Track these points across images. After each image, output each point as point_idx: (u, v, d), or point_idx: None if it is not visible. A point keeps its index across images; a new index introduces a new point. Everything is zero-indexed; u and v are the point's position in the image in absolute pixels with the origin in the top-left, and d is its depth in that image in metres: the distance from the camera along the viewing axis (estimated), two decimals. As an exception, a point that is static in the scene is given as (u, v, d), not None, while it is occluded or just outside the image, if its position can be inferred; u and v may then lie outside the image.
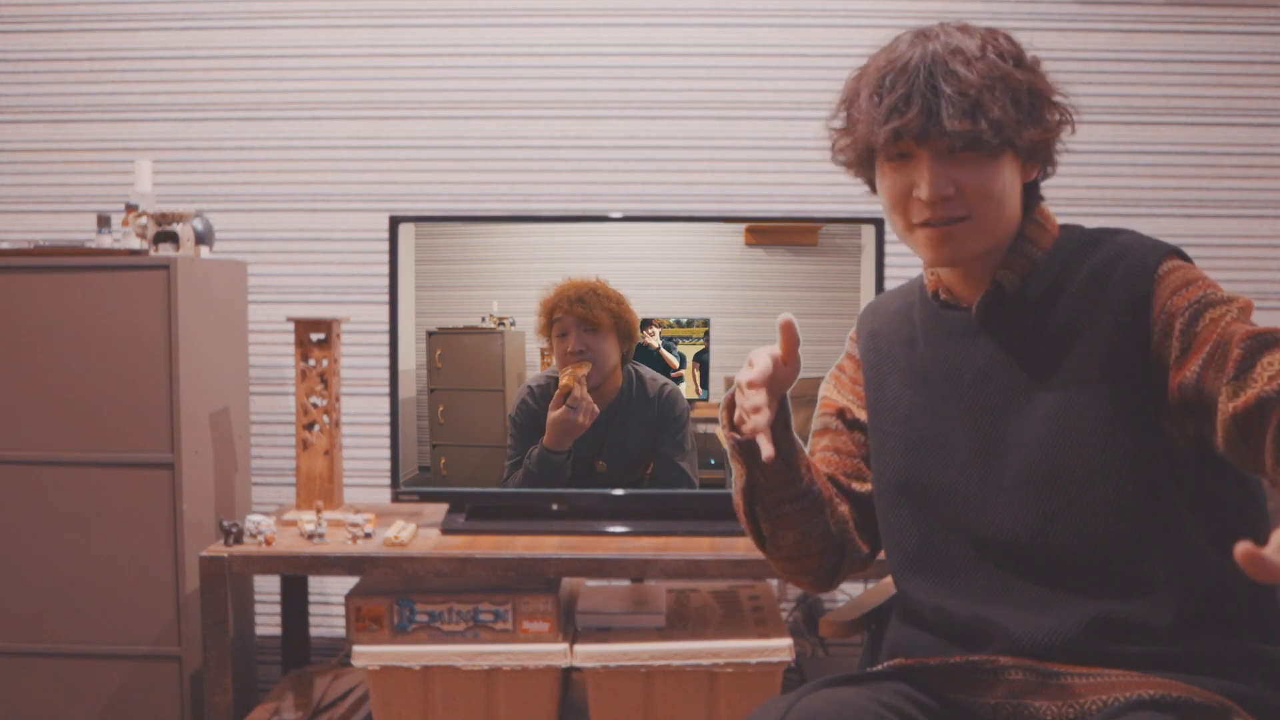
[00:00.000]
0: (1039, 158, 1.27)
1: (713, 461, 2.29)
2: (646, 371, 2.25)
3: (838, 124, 1.30)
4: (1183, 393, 1.17)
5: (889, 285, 2.26)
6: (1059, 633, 1.21)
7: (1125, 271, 1.23)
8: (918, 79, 1.20)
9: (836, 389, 1.47)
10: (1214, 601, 1.20)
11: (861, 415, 1.42)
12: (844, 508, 1.41)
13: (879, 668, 1.28)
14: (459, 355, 2.27)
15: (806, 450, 1.42)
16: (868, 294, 2.21)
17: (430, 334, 2.26)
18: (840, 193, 2.63)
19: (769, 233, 2.26)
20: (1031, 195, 1.30)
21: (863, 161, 1.29)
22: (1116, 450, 1.20)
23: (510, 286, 2.27)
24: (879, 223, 2.21)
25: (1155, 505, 1.20)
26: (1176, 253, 1.25)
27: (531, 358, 2.25)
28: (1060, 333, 1.25)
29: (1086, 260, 1.26)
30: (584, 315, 2.21)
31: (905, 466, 1.33)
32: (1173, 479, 1.20)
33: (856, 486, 1.42)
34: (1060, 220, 1.33)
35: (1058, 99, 1.26)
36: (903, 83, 1.21)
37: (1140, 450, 1.20)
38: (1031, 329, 1.26)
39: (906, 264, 2.57)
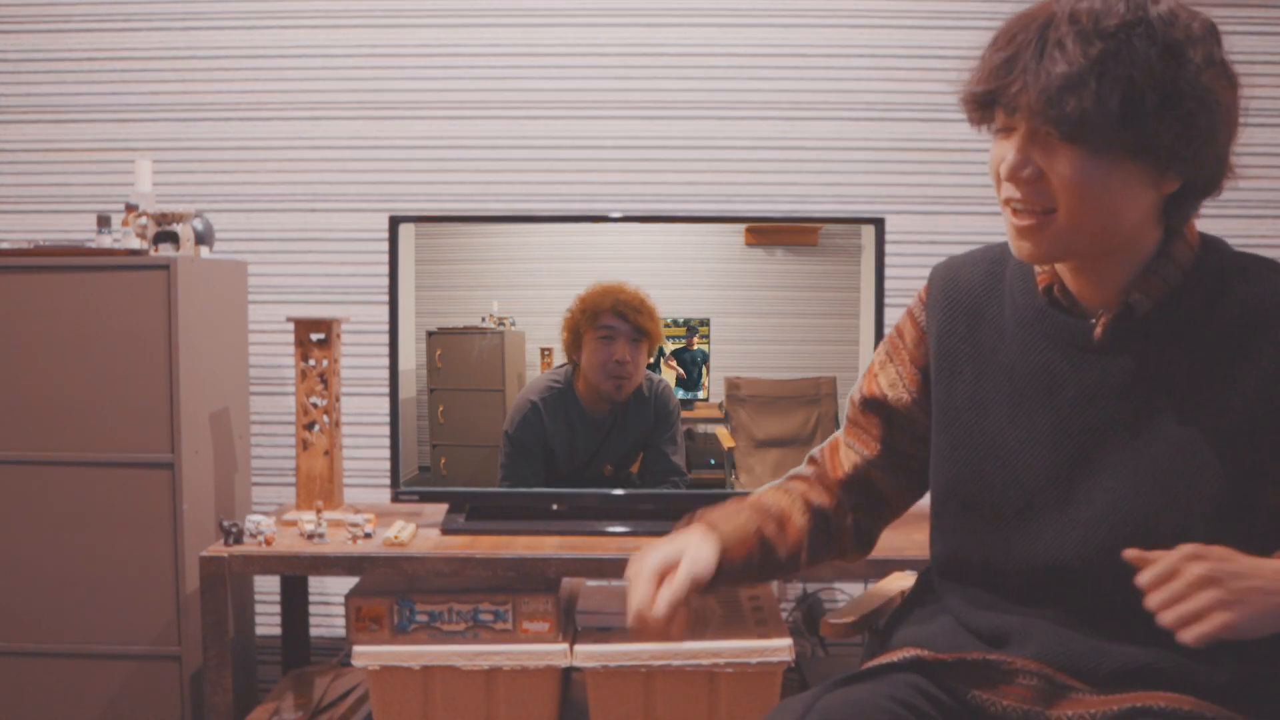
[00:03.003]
0: (1177, 167, 1.08)
1: (712, 461, 2.29)
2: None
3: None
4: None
5: (889, 285, 2.26)
6: (1099, 665, 1.14)
7: None
8: (1028, 46, 1.06)
9: (891, 366, 1.33)
10: (1272, 665, 1.13)
11: (906, 397, 1.30)
12: (848, 520, 1.34)
13: (895, 659, 1.21)
14: (459, 355, 2.27)
15: (826, 443, 1.39)
16: (868, 294, 2.21)
17: (430, 334, 2.26)
18: (841, 192, 2.63)
19: (769, 233, 2.26)
20: (1177, 208, 1.13)
21: (980, 119, 1.15)
22: (1221, 516, 1.11)
23: (510, 287, 2.27)
24: (879, 223, 2.20)
25: None
26: None
27: (532, 357, 2.25)
28: (1190, 373, 1.13)
29: (1234, 294, 1.13)
30: (639, 326, 2.18)
31: (973, 477, 1.23)
32: (1263, 547, 1.10)
33: (848, 465, 1.35)
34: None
35: (1215, 95, 1.07)
36: (1013, 44, 1.07)
37: (1243, 518, 1.12)
38: (1155, 360, 1.14)
39: (907, 264, 2.57)
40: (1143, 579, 1.02)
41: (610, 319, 2.18)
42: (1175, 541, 1.07)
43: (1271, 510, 1.13)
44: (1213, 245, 1.19)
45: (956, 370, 1.26)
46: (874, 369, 1.37)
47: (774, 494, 1.37)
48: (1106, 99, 1.03)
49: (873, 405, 1.35)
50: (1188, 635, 0.99)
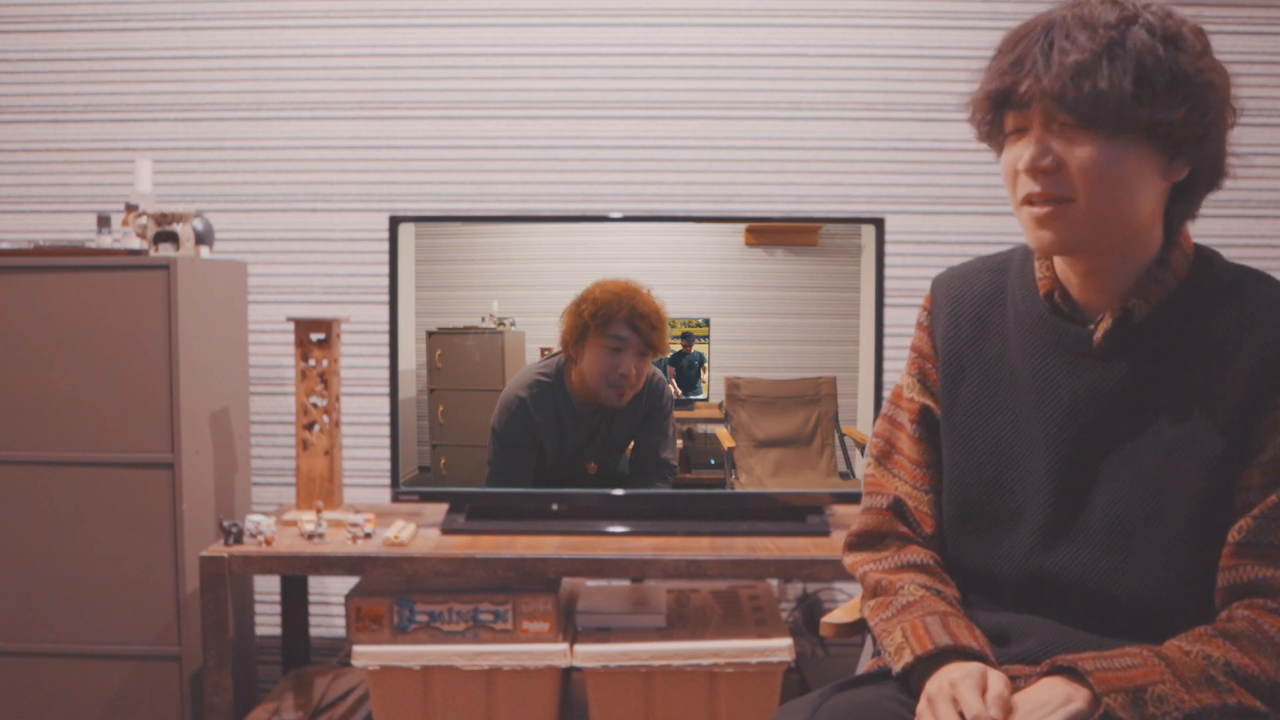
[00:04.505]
0: (1186, 153, 1.13)
1: (712, 461, 2.29)
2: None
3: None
4: (1233, 491, 1.14)
5: (889, 285, 2.26)
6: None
7: (1275, 338, 1.13)
8: (1034, 44, 1.11)
9: (918, 379, 1.33)
10: None
11: (939, 411, 1.31)
12: (952, 592, 1.27)
13: (902, 665, 1.20)
14: (459, 355, 2.27)
15: (870, 470, 1.35)
16: (868, 294, 2.21)
17: (430, 334, 2.26)
18: (841, 193, 2.63)
19: (769, 232, 2.26)
20: (1179, 204, 1.18)
21: (989, 131, 1.19)
22: (1215, 515, 1.14)
23: (510, 286, 2.26)
24: (879, 223, 2.20)
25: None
26: None
27: (532, 358, 2.25)
28: (1182, 379, 1.16)
29: (1226, 304, 1.16)
30: (651, 341, 2.12)
31: (975, 482, 1.25)
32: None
33: (933, 511, 1.31)
34: None
35: (1214, 85, 1.12)
36: (1019, 47, 1.12)
37: (1224, 508, 1.15)
38: (1150, 366, 1.17)
39: (907, 264, 2.57)
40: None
41: (622, 329, 2.11)
42: (1165, 546, 1.13)
43: (1242, 488, 1.15)
44: (1207, 256, 1.22)
45: (961, 374, 1.28)
46: (901, 392, 1.36)
47: (931, 600, 1.26)
48: (1120, 79, 1.08)
49: (926, 425, 1.33)
50: None
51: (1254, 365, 1.14)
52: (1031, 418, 1.22)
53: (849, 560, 1.37)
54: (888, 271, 2.23)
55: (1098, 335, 1.19)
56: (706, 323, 2.25)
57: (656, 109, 2.64)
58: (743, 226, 2.26)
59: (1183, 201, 1.18)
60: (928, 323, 1.34)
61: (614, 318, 2.10)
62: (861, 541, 1.36)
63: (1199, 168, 1.16)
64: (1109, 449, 1.18)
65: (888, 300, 2.22)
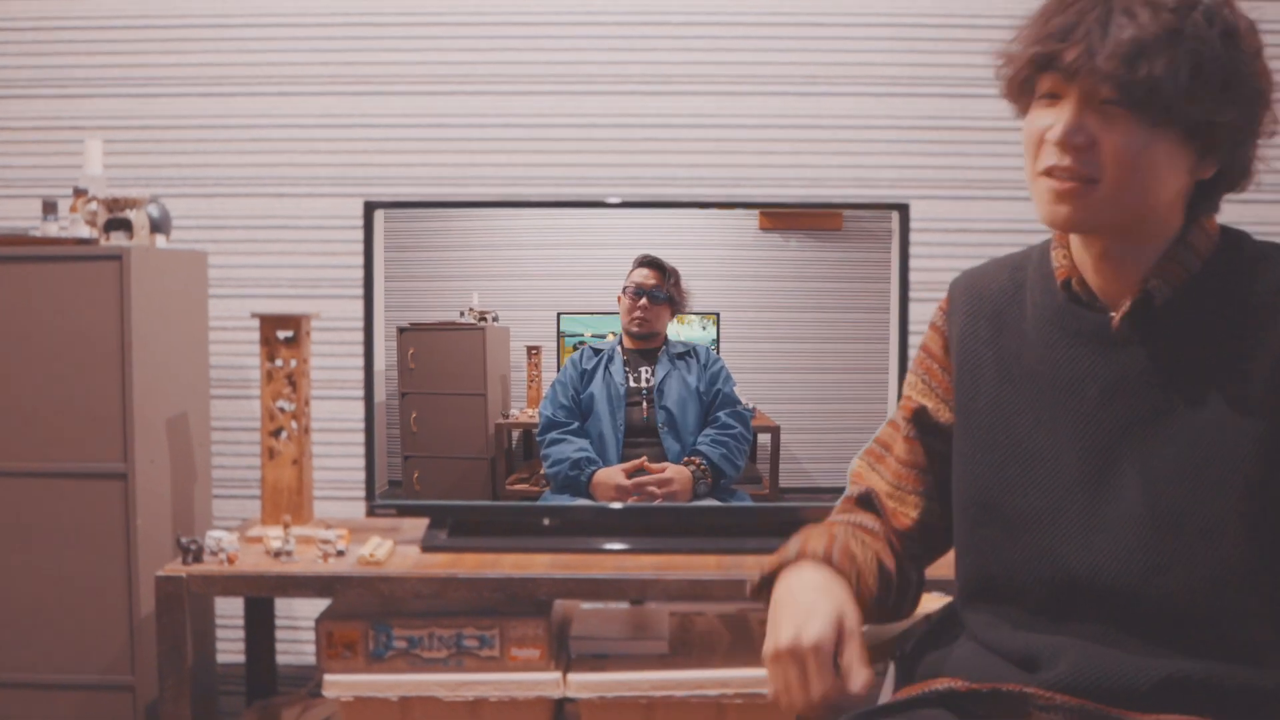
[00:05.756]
0: (1217, 152, 1.17)
1: (720, 471, 2.29)
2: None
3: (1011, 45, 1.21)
4: None
5: (914, 279, 2.26)
6: (1137, 682, 1.16)
7: None
8: (1091, 11, 1.13)
9: (922, 379, 1.39)
10: None
11: (946, 416, 1.36)
12: (889, 560, 1.33)
13: (921, 691, 1.24)
14: (434, 355, 2.26)
15: (855, 466, 1.40)
16: (897, 284, 2.20)
17: (402, 330, 2.25)
18: (861, 175, 2.63)
19: (787, 216, 2.26)
20: (1202, 199, 1.22)
21: (1019, 89, 1.21)
22: (1258, 501, 1.15)
23: (493, 277, 2.25)
24: (903, 209, 2.20)
25: None
26: None
27: (517, 357, 2.25)
28: (1213, 358, 1.19)
29: (1254, 280, 1.20)
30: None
31: (997, 482, 1.27)
32: None
33: (914, 511, 1.37)
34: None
35: (1263, 92, 1.16)
36: (1076, 9, 1.14)
37: (1276, 497, 1.15)
38: (1177, 349, 1.20)
39: (934, 254, 2.57)
40: None
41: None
42: (1208, 534, 1.14)
43: None
44: (1233, 236, 1.25)
45: (979, 375, 1.32)
46: (908, 395, 1.41)
47: (853, 541, 1.33)
48: (1178, 69, 1.11)
49: (921, 426, 1.38)
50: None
51: None
52: (1055, 413, 1.25)
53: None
54: (913, 263, 2.22)
55: (1116, 319, 1.22)
56: (716, 317, 2.25)
57: (658, 83, 2.64)
58: (756, 211, 2.26)
59: (1207, 197, 1.22)
60: (943, 324, 1.38)
61: None
62: None
63: (1227, 170, 1.20)
64: (1141, 439, 1.20)
65: (913, 295, 2.21)
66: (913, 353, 2.35)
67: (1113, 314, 1.23)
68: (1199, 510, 1.16)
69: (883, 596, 1.32)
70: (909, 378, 1.41)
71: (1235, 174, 1.21)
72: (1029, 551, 1.25)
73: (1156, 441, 1.19)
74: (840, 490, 1.46)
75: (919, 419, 1.38)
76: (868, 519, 1.38)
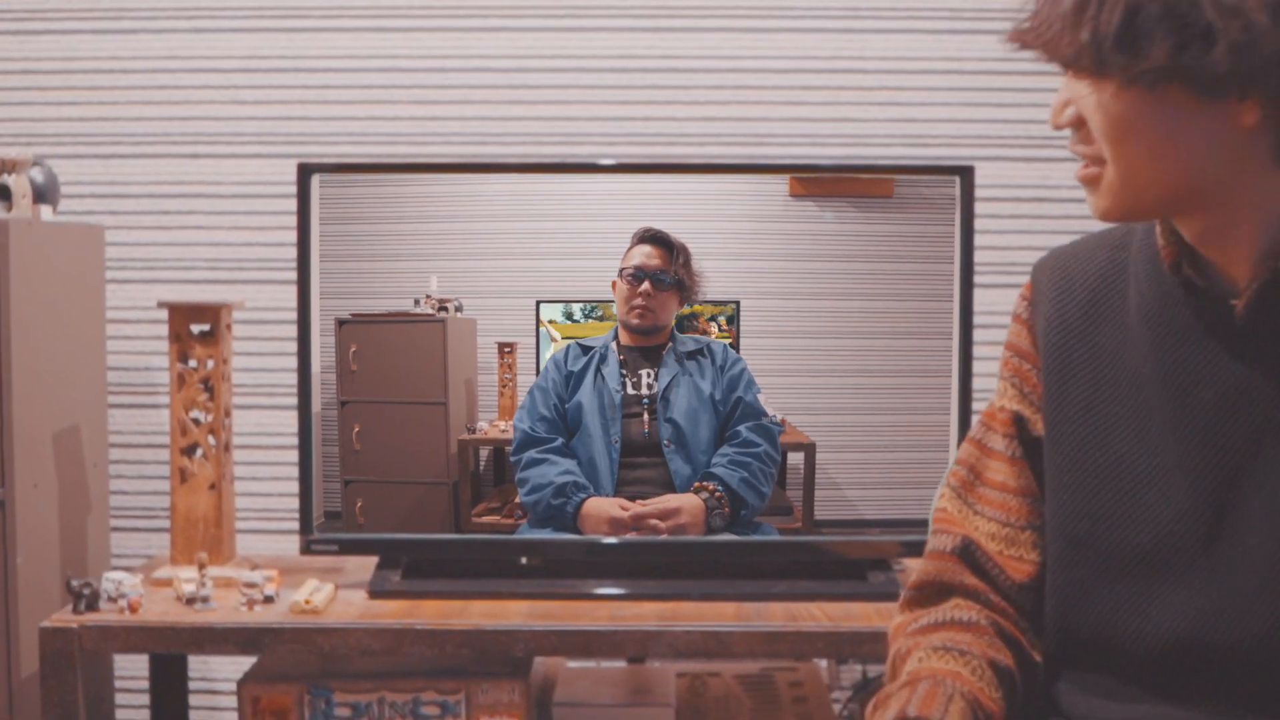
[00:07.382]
0: (1236, 91, 1.10)
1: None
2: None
3: None
4: None
5: (980, 258, 2.26)
6: None
7: None
8: None
9: (1012, 383, 1.38)
10: None
11: (1041, 428, 1.34)
12: (1005, 658, 1.30)
13: None
14: (382, 353, 2.26)
15: (942, 504, 1.38)
16: (960, 266, 2.20)
17: (342, 323, 2.25)
18: (913, 131, 2.63)
19: (824, 181, 2.25)
20: None
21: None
22: None
23: (456, 257, 2.26)
24: (965, 172, 2.19)
25: None
26: None
27: (486, 356, 2.24)
28: None
29: None
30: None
31: (1087, 513, 1.27)
32: None
33: (1033, 553, 1.33)
34: None
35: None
36: None
37: None
38: None
39: (1004, 229, 2.57)
40: None
41: None
42: None
43: None
44: None
45: (1069, 372, 1.31)
46: (1000, 404, 1.39)
47: (953, 664, 1.29)
48: (1111, 18, 1.10)
49: (1025, 441, 1.36)
50: None
51: None
52: (1164, 427, 1.24)
53: (892, 626, 1.38)
54: (979, 239, 2.22)
55: (1240, 307, 1.19)
56: (736, 306, 2.25)
57: (662, 17, 2.64)
58: (785, 176, 2.26)
59: None
60: (1027, 315, 1.38)
61: None
62: (916, 597, 1.38)
63: (1272, 105, 1.12)
64: (1270, 458, 1.18)
65: (979, 278, 2.21)
66: (979, 350, 2.37)
67: (1234, 301, 1.20)
68: None
69: (1009, 705, 1.28)
70: (999, 384, 1.40)
71: None
72: (1121, 604, 1.24)
73: None
74: (890, 524, 1.45)
75: (1022, 432, 1.36)
76: (963, 609, 1.33)
